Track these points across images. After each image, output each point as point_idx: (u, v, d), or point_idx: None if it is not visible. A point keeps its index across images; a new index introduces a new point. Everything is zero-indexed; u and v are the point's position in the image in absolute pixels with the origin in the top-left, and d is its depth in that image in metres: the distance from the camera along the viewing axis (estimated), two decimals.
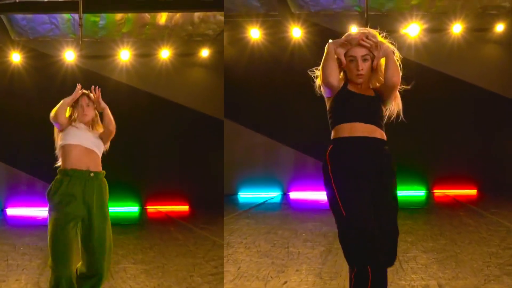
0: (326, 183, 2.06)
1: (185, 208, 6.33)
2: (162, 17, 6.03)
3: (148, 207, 6.38)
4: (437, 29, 6.13)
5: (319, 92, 2.30)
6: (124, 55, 6.29)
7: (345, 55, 2.16)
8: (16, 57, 6.17)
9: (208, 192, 6.23)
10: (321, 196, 6.14)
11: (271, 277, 2.94)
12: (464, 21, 6.03)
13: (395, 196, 2.06)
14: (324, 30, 6.08)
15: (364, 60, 2.14)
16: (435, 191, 6.24)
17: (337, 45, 2.15)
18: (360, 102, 2.13)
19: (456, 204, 5.35)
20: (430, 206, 5.42)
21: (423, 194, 6.17)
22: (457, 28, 6.07)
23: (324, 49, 2.21)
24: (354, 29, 6.00)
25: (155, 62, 6.47)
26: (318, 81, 2.27)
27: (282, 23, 6.11)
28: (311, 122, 6.39)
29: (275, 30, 6.18)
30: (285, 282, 2.86)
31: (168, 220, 5.64)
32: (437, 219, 4.59)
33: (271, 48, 6.27)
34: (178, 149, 6.50)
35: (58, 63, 6.26)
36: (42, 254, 3.86)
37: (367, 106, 2.13)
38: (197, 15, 6.03)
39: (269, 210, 5.41)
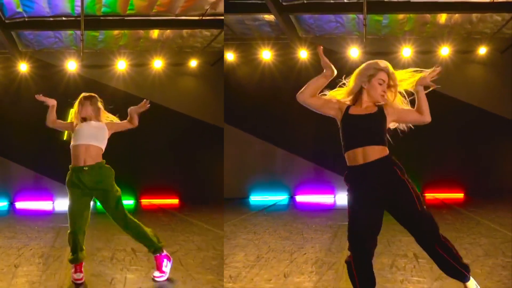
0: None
1: (175, 201, 6.97)
2: (155, 32, 6.58)
3: (142, 200, 6.98)
4: (427, 51, 6.78)
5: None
6: (121, 65, 6.86)
7: (371, 77, 2.40)
8: (23, 67, 6.72)
9: (197, 186, 6.90)
10: (322, 199, 6.78)
11: (294, 251, 3.73)
12: (451, 45, 6.70)
13: (411, 198, 2.26)
14: (328, 52, 6.65)
15: (381, 84, 2.41)
16: (426, 194, 6.79)
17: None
18: (359, 125, 2.33)
19: (442, 205, 5.97)
20: None
21: None
22: (444, 51, 6.74)
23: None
24: (354, 51, 6.67)
25: (149, 71, 7.07)
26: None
27: (291, 46, 6.75)
28: (315, 134, 6.96)
29: (284, 52, 6.83)
30: (305, 254, 3.67)
31: (158, 210, 6.25)
32: None
33: (280, 67, 6.93)
34: (170, 150, 7.05)
35: (61, 72, 6.79)
36: (53, 230, 4.67)
37: (367, 127, 2.33)
38: (185, 30, 6.59)
39: (281, 210, 6.04)
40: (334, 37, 6.80)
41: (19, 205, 6.81)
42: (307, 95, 2.49)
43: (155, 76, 7.07)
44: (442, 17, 6.28)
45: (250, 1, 5.80)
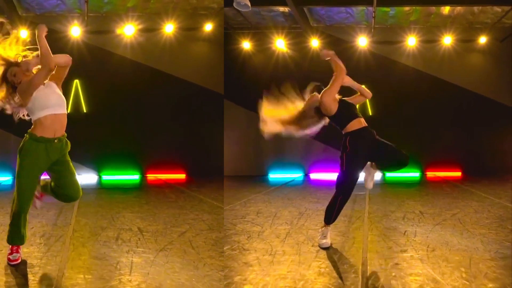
0: (341, 153, 3.23)
1: (182, 176, 6.64)
2: None
3: (148, 175, 6.62)
4: (431, 40, 7.18)
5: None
6: (129, 30, 6.19)
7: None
8: (23, 34, 5.68)
9: (204, 161, 6.60)
10: (335, 176, 7.18)
11: (324, 211, 4.24)
12: (453, 34, 7.11)
13: (381, 141, 3.19)
14: (338, 40, 7.17)
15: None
16: (427, 173, 7.32)
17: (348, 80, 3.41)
18: (348, 105, 3.28)
19: (443, 182, 6.55)
20: (422, 182, 6.65)
21: (418, 175, 7.23)
22: (447, 40, 7.14)
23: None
24: (362, 40, 7.10)
25: (159, 37, 6.45)
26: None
27: (303, 35, 7.15)
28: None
29: (297, 41, 7.22)
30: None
31: (164, 185, 6.00)
32: (425, 188, 6.00)
33: (293, 55, 7.33)
34: (179, 122, 6.64)
35: (64, 38, 6.21)
36: (56, 206, 4.17)
37: (352, 106, 3.30)
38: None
39: (300, 185, 6.56)
40: (343, 26, 7.18)
41: None
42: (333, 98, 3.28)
43: (165, 42, 6.48)
44: (446, 9, 6.67)
45: None
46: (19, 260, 2.81)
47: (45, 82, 2.77)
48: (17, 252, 2.83)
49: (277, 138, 8.13)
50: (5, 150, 6.41)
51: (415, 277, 2.66)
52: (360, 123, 3.21)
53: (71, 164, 2.90)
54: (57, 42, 6.25)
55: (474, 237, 3.43)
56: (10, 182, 6.19)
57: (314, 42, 7.18)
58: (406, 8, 6.69)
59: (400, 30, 7.14)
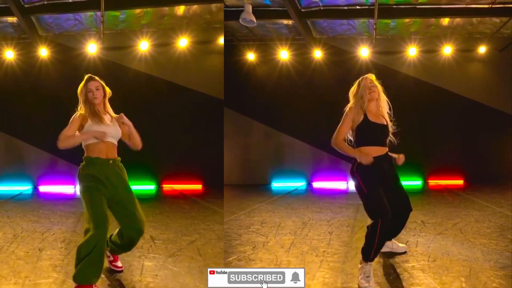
0: (355, 183, 2.96)
1: (198, 187, 6.69)
2: (180, 8, 6.02)
3: (164, 185, 6.70)
4: (431, 50, 7.26)
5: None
6: (143, 45, 6.37)
7: (362, 88, 2.94)
8: (43, 52, 6.39)
9: (221, 173, 6.58)
10: (338, 185, 7.34)
11: (330, 219, 4.51)
12: (453, 44, 7.19)
13: (399, 179, 3.02)
14: (340, 51, 7.28)
15: (372, 85, 3.00)
16: (429, 181, 7.37)
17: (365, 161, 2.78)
18: (376, 131, 2.86)
19: (444, 190, 6.61)
20: (424, 190, 6.70)
21: (420, 183, 7.27)
22: (447, 50, 7.22)
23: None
24: (364, 50, 7.21)
25: (173, 51, 6.54)
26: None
27: (306, 46, 7.25)
28: (329, 125, 7.37)
29: (300, 52, 7.33)
30: (338, 221, 4.48)
31: (179, 195, 6.09)
32: (427, 197, 6.03)
33: (296, 66, 7.43)
34: (193, 134, 6.70)
35: (81, 55, 6.46)
36: (75, 215, 4.69)
37: (381, 133, 2.89)
38: (214, 5, 6.11)
39: (303, 194, 6.61)
40: (345, 37, 7.29)
41: (42, 189, 6.71)
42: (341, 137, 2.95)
43: (179, 56, 6.59)
44: (445, 20, 6.79)
45: (273, 9, 6.32)
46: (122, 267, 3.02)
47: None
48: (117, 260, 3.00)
49: (279, 146, 8.09)
50: (25, 161, 6.73)
51: (417, 287, 2.75)
52: (374, 151, 2.87)
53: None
54: (75, 59, 6.53)
55: (475, 247, 3.51)
56: (30, 192, 6.49)
57: (317, 53, 7.30)
58: (407, 20, 6.81)
59: (401, 40, 7.23)
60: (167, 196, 6.12)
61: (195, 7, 6.12)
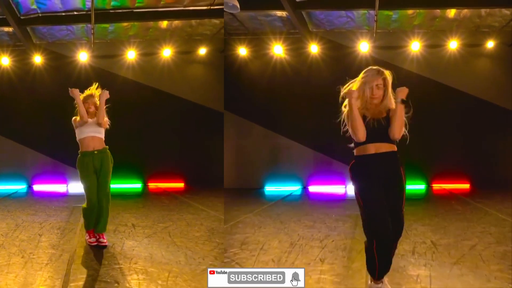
0: (353, 185, 2.71)
1: (180, 185, 7.22)
2: (164, 22, 6.68)
3: (149, 184, 7.27)
4: (436, 45, 6.87)
5: (347, 133, 2.72)
6: (131, 54, 7.04)
7: (363, 84, 2.66)
8: (37, 59, 6.99)
9: (202, 171, 7.10)
10: (335, 189, 6.96)
11: (323, 238, 3.98)
12: (460, 38, 6.80)
13: (401, 191, 2.61)
14: (338, 46, 6.90)
15: (378, 88, 2.71)
16: (433, 185, 7.00)
17: (355, 98, 2.61)
18: (371, 126, 2.62)
19: (450, 196, 6.19)
20: (429, 196, 6.28)
21: (423, 188, 6.92)
22: (453, 44, 6.83)
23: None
24: (364, 45, 6.78)
25: (158, 60, 7.17)
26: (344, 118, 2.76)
27: (302, 40, 6.86)
28: (326, 126, 7.02)
29: (296, 46, 6.93)
30: (333, 241, 3.96)
31: (163, 193, 6.60)
32: (434, 206, 5.55)
33: (292, 61, 7.04)
34: (178, 136, 7.25)
35: (73, 63, 7.02)
36: (68, 209, 5.25)
37: (378, 128, 2.62)
38: (194, 21, 6.70)
39: (297, 200, 6.24)
40: (344, 31, 6.90)
41: (37, 188, 7.21)
42: (361, 135, 2.66)
43: (164, 65, 7.21)
44: (452, 12, 6.36)
45: None
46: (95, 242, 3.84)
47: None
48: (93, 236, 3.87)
49: (273, 148, 7.71)
50: (21, 162, 7.25)
51: None
52: (372, 148, 2.63)
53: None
54: (67, 66, 7.07)
55: (501, 279, 2.91)
56: (25, 190, 7.03)
57: (313, 48, 6.91)
58: (410, 12, 6.37)
59: (403, 34, 6.82)
60: (152, 194, 6.67)
61: (176, 22, 6.73)
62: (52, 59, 7.08)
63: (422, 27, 6.79)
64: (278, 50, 6.99)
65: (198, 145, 7.30)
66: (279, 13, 6.40)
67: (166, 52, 7.13)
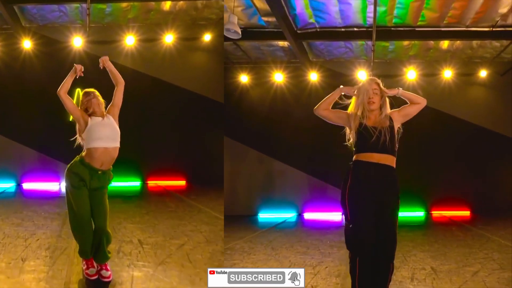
0: (342, 192, 2.72)
1: (182, 183, 6.64)
2: (167, 4, 5.97)
3: (148, 182, 6.66)
4: (431, 74, 7.10)
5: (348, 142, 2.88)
6: (129, 40, 6.28)
7: (359, 91, 2.81)
8: (27, 44, 6.13)
9: (204, 169, 6.53)
10: (331, 216, 6.91)
11: (316, 264, 3.85)
12: (453, 68, 7.03)
13: (393, 212, 2.64)
14: (337, 74, 7.09)
15: (374, 93, 2.81)
16: (433, 212, 7.00)
17: (342, 90, 2.93)
18: (373, 134, 2.68)
19: (450, 222, 6.22)
20: (428, 223, 6.30)
21: (422, 214, 6.93)
22: (447, 74, 7.06)
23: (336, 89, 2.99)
24: (362, 74, 7.00)
25: (159, 47, 6.48)
26: (347, 131, 2.93)
27: (302, 69, 7.05)
28: (323, 152, 7.13)
29: (296, 74, 7.13)
30: (326, 267, 3.87)
31: (164, 192, 6.12)
32: (433, 232, 5.57)
33: (292, 89, 7.22)
34: (179, 129, 6.64)
35: (66, 48, 6.22)
36: (60, 216, 4.55)
37: (380, 137, 2.67)
38: (200, 2, 6.04)
39: (291, 227, 6.20)
40: (342, 61, 7.11)
41: (26, 186, 6.50)
42: (321, 109, 2.97)
43: (166, 52, 6.53)
44: (445, 43, 6.62)
45: (267, 30, 6.08)
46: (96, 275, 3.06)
47: (104, 114, 3.13)
48: (92, 266, 3.06)
49: (269, 173, 7.71)
50: (8, 157, 6.45)
51: None
52: (374, 157, 2.67)
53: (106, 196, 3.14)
54: (60, 52, 6.26)
55: None
56: (13, 189, 6.32)
57: (313, 76, 7.10)
58: (405, 43, 6.62)
59: (400, 64, 7.06)
60: (152, 193, 6.17)
61: (181, 3, 6.04)
62: (43, 44, 6.24)
63: (418, 58, 7.02)
64: (278, 77, 7.16)
65: (199, 139, 6.67)
66: (281, 43, 6.62)
67: (168, 38, 6.37)
